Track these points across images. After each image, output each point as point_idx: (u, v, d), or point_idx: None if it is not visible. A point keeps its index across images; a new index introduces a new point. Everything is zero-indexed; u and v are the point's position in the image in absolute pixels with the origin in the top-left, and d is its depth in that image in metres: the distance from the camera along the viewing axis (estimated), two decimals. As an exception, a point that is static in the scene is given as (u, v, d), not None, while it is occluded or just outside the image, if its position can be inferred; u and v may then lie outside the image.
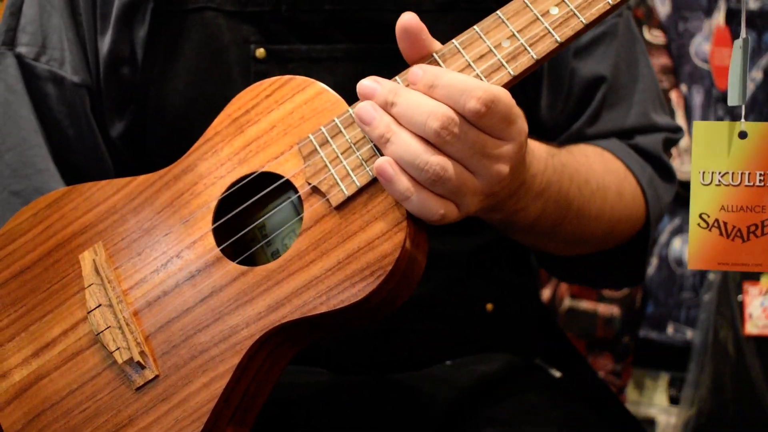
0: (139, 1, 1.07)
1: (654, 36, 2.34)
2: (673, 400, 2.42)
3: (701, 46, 2.33)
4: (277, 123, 0.91)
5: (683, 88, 2.36)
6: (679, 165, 2.32)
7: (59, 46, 1.10)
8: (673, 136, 1.22)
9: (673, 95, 2.36)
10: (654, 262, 2.40)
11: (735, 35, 2.28)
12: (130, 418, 0.88)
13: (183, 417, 0.87)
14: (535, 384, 1.18)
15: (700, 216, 0.85)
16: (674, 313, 2.39)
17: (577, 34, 0.87)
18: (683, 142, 2.33)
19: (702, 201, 0.85)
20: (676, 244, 2.39)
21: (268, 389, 0.91)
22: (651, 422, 2.42)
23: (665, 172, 1.21)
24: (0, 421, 0.92)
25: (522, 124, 0.86)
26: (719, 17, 2.30)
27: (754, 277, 2.09)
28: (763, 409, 2.00)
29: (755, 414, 2.02)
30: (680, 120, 2.34)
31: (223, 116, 0.93)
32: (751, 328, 2.06)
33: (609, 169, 1.14)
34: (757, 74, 2.27)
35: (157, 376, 0.89)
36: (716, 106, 2.31)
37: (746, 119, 0.86)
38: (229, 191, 0.91)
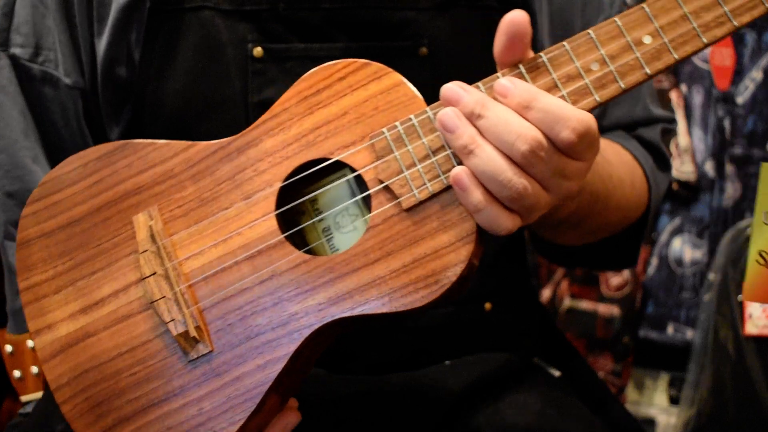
0: (136, 2, 1.07)
1: (654, 36, 2.34)
2: (673, 400, 2.42)
3: (701, 45, 2.32)
4: (350, 110, 0.90)
5: (683, 88, 2.36)
6: (679, 165, 2.32)
7: (53, 48, 1.10)
8: (669, 126, 1.24)
9: (673, 95, 2.36)
10: (654, 262, 2.40)
11: (735, 35, 2.28)
12: (181, 388, 0.89)
13: (236, 395, 0.87)
14: (534, 384, 1.18)
15: (759, 253, 0.87)
16: (674, 313, 2.39)
17: (667, 68, 0.86)
18: (683, 142, 2.33)
19: (763, 239, 0.87)
20: (676, 244, 2.39)
21: (310, 369, 0.93)
22: (651, 422, 2.42)
23: (662, 161, 1.24)
24: (45, 373, 0.92)
25: (598, 145, 0.87)
26: (719, 17, 2.29)
27: (754, 277, 2.09)
28: (763, 409, 2.00)
29: (755, 414, 2.01)
30: (680, 120, 2.34)
31: (292, 92, 0.92)
32: (751, 328, 2.06)
33: (622, 161, 1.16)
34: (757, 74, 2.27)
35: (210, 352, 0.89)
36: (716, 106, 2.31)
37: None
38: (297, 177, 0.91)
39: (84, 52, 1.10)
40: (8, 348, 1.42)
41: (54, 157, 1.11)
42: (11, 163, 1.10)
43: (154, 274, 0.90)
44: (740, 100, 2.26)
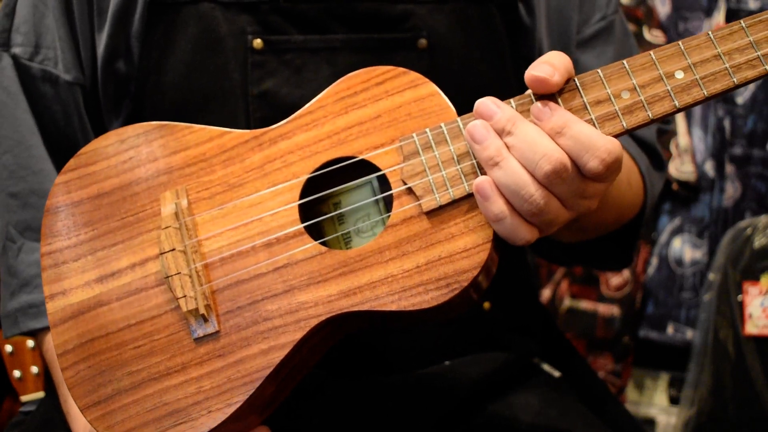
0: None
1: (654, 36, 2.34)
2: (673, 400, 2.42)
3: (701, 45, 2.32)
4: (383, 113, 0.92)
5: (683, 87, 2.35)
6: (680, 164, 2.32)
7: (53, 45, 1.10)
8: (664, 126, 1.25)
9: (673, 95, 2.36)
10: (654, 262, 2.40)
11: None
12: (183, 365, 0.90)
13: (236, 377, 0.88)
14: (533, 383, 1.18)
15: None
16: (674, 313, 2.39)
17: (696, 104, 0.88)
18: (683, 142, 2.33)
19: None
20: (676, 243, 2.39)
21: (313, 364, 0.93)
22: (651, 422, 2.42)
23: (658, 161, 1.25)
24: (53, 338, 0.93)
25: (621, 169, 0.88)
26: (719, 17, 2.30)
27: (754, 277, 2.09)
28: (763, 409, 2.00)
29: (755, 414, 2.01)
30: (680, 120, 2.34)
31: (330, 92, 0.94)
32: (751, 328, 2.06)
33: None
34: (757, 74, 2.27)
35: (217, 332, 0.90)
36: (716, 106, 2.31)
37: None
38: (323, 171, 0.92)
39: (84, 47, 1.10)
40: (8, 348, 1.42)
41: (57, 155, 1.11)
42: (16, 163, 1.10)
43: (173, 250, 0.91)
44: (740, 100, 2.26)
